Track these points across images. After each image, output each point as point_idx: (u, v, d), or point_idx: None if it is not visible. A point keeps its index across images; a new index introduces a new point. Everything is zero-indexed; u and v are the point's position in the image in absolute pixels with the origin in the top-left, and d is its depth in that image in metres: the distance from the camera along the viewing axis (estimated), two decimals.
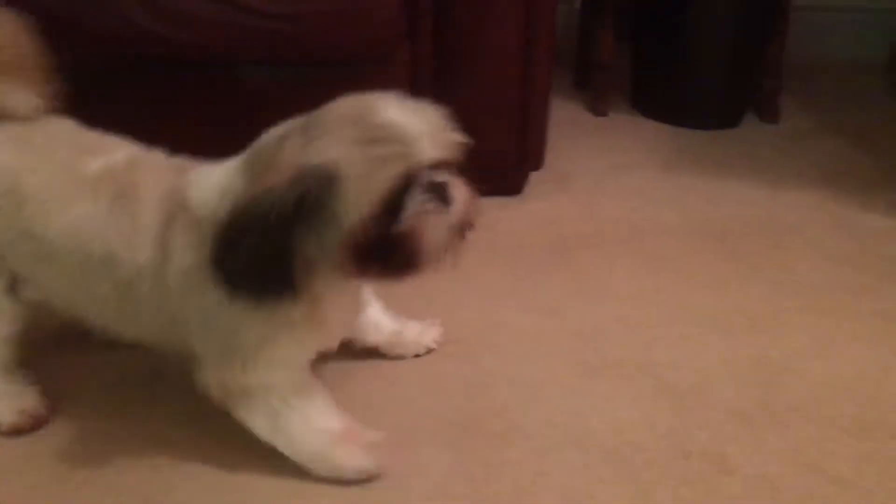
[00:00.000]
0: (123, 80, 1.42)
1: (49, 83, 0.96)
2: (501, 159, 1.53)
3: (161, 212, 0.87)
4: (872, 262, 1.38)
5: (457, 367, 1.13)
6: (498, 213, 1.52)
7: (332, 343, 0.95)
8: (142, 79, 1.43)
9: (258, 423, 0.91)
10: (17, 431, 0.99)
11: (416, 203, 0.78)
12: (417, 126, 0.78)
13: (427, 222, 0.78)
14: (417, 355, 1.14)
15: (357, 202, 0.75)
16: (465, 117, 1.47)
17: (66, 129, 0.97)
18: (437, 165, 0.80)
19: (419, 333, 1.14)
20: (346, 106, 0.80)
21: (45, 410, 1.02)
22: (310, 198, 0.75)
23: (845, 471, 0.95)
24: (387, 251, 0.78)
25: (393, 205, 0.77)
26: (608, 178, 1.68)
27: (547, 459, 0.97)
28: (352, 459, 0.92)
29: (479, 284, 1.31)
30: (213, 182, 0.85)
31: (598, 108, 2.00)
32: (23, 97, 0.93)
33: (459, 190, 0.82)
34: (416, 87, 1.45)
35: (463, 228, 0.83)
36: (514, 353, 1.16)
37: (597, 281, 1.33)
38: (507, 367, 1.13)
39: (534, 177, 1.63)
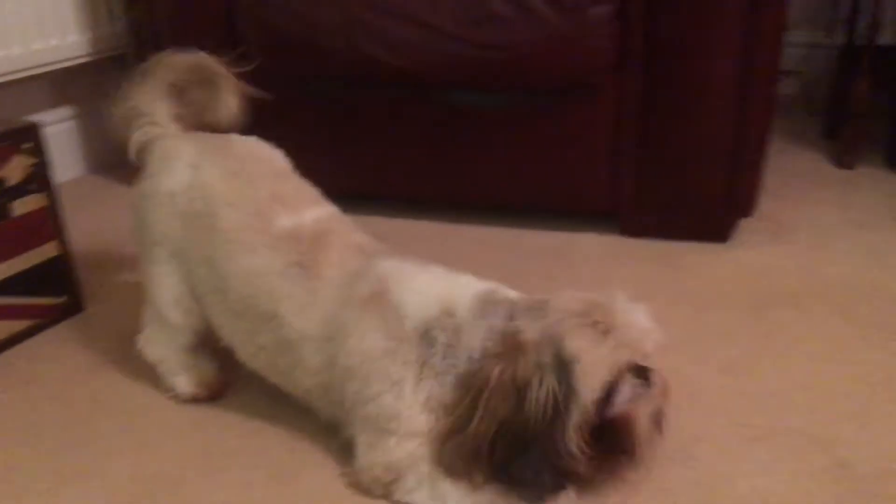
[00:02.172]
0: (349, 101, 1.55)
1: (243, 97, 1.08)
2: (707, 202, 1.44)
3: (340, 292, 0.91)
4: None
5: None
6: (698, 258, 1.43)
7: None
8: (365, 101, 1.54)
9: (421, 495, 0.89)
10: (194, 400, 1.11)
11: (629, 388, 0.83)
12: (639, 322, 0.85)
13: (637, 405, 0.83)
14: None
15: (589, 387, 0.80)
16: (671, 156, 1.43)
17: (271, 169, 1.04)
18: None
19: None
20: (574, 299, 0.85)
21: (220, 386, 1.12)
22: (560, 389, 0.81)
23: None
24: (604, 434, 0.83)
25: (612, 389, 0.82)
26: (836, 233, 1.51)
27: None
28: None
29: (662, 329, 1.23)
30: (430, 295, 0.88)
31: (844, 160, 1.81)
32: (226, 107, 1.06)
33: (659, 376, 0.87)
34: (622, 121, 1.42)
35: (660, 413, 0.88)
36: (676, 406, 1.07)
37: (791, 342, 1.20)
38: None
39: (747, 225, 1.51)
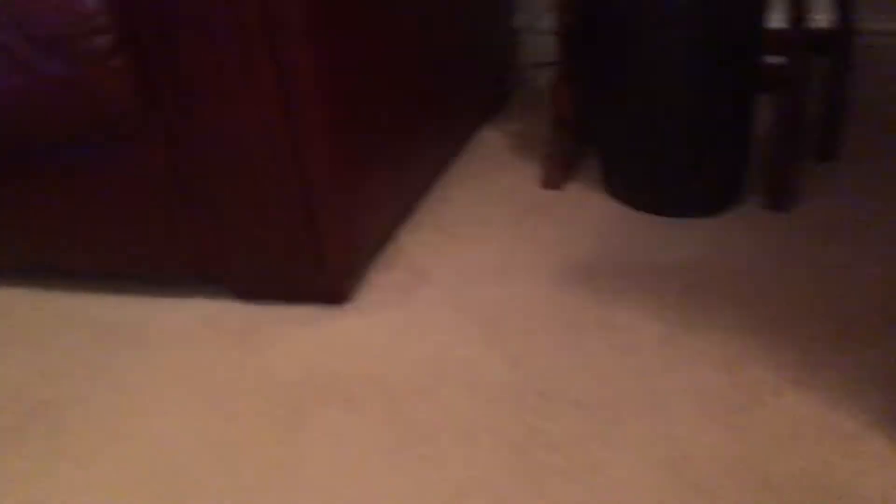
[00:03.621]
0: None
1: None
2: (293, 260, 1.18)
3: None
4: None
5: None
6: (287, 331, 1.17)
7: None
8: None
9: None
10: None
11: None
12: None
13: None
14: None
15: None
16: (232, 211, 1.15)
17: None
18: None
19: None
20: None
21: None
22: None
23: None
24: None
25: None
26: (479, 285, 1.25)
27: None
28: None
29: None
30: None
31: (547, 180, 1.55)
32: None
33: None
34: (160, 176, 1.15)
35: None
36: None
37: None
38: None
39: (387, 276, 1.26)
